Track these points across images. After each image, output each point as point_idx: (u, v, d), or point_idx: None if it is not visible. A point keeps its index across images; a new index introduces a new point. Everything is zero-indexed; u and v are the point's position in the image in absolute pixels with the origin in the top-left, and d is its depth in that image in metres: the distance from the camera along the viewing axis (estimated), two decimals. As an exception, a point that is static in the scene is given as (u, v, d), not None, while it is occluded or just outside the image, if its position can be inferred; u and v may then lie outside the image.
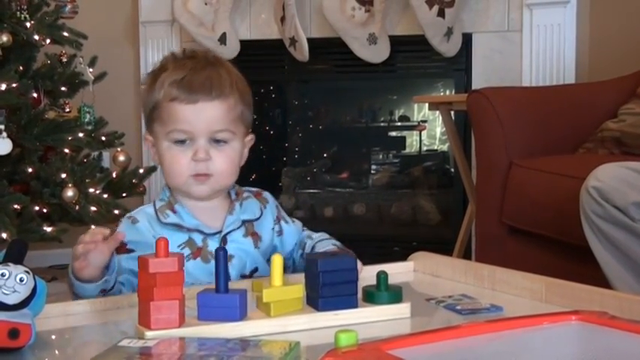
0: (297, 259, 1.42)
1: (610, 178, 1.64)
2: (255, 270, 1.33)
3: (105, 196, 2.77)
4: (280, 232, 1.39)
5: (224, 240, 1.31)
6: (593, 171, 1.68)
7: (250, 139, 1.36)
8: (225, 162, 1.28)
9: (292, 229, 1.42)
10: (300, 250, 1.40)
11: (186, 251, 1.28)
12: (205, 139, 1.26)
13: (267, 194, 1.42)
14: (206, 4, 3.31)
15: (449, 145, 3.43)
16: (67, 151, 2.81)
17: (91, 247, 1.12)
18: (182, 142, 1.26)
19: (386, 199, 3.64)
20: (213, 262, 1.25)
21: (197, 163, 1.26)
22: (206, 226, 1.31)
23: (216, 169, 1.27)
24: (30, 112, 2.69)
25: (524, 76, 3.06)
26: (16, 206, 2.57)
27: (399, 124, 3.82)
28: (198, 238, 1.30)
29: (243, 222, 1.34)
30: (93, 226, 1.23)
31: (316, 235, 1.41)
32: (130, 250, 1.26)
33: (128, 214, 1.34)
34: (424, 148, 3.81)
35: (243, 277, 1.31)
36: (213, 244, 1.29)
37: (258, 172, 3.72)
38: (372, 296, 1.06)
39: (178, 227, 1.30)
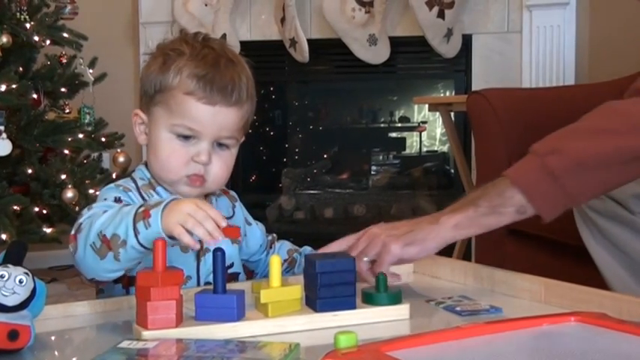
0: (263, 262, 1.40)
1: None
2: (231, 266, 1.31)
3: (105, 197, 2.77)
4: (244, 234, 1.37)
5: None
6: None
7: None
8: (222, 168, 1.25)
9: (255, 231, 1.39)
10: (285, 264, 1.39)
11: None
12: (210, 141, 1.23)
13: (233, 193, 1.40)
14: (206, 5, 3.31)
15: (449, 146, 3.43)
16: (66, 152, 2.82)
17: (208, 240, 1.04)
18: (186, 137, 1.22)
19: (386, 200, 3.64)
20: (191, 252, 1.25)
21: (196, 165, 1.23)
22: None
23: (213, 174, 1.24)
24: (30, 113, 2.69)
25: (523, 77, 3.06)
26: (15, 207, 2.57)
27: (399, 125, 3.82)
28: None
29: None
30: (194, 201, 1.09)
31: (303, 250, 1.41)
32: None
33: (115, 183, 1.28)
34: (424, 149, 3.81)
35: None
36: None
37: (258, 173, 3.72)
38: (371, 297, 1.06)
39: None
